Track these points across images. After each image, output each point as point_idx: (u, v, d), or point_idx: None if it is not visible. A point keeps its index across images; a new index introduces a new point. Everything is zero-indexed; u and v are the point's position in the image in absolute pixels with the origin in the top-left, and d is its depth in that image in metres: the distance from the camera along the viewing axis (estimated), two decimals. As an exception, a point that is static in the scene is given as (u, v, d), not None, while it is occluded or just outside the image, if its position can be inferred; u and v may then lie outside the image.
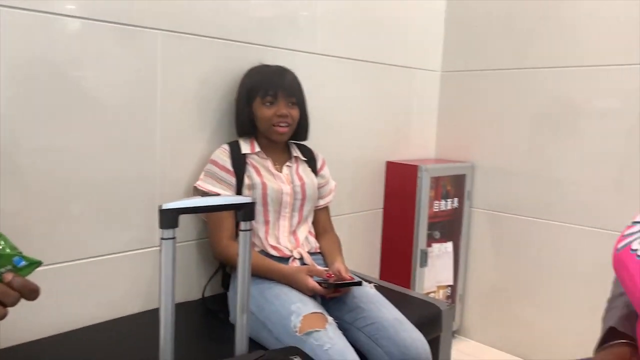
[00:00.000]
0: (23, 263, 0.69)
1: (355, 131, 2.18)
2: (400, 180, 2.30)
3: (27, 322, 1.28)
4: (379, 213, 2.36)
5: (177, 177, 1.59)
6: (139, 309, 1.54)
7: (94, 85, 1.39)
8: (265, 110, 1.55)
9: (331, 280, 1.39)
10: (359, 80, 2.15)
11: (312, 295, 1.40)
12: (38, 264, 0.71)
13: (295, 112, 1.56)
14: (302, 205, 1.61)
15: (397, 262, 2.31)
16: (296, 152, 1.67)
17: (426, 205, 2.24)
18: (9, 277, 0.68)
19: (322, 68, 1.98)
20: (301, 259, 1.55)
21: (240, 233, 1.10)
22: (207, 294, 1.65)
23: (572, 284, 2.15)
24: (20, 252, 0.70)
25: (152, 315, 1.39)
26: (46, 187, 1.33)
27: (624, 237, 0.80)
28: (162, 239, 0.99)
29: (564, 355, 2.16)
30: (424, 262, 2.27)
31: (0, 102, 1.24)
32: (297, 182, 1.60)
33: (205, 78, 1.63)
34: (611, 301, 0.95)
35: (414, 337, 1.36)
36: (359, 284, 1.40)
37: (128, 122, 1.47)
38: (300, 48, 1.88)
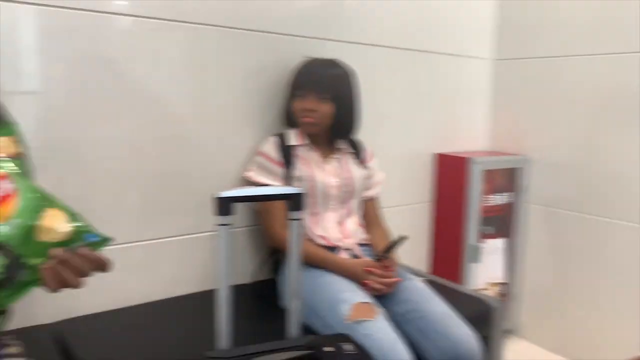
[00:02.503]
0: (96, 238, 0.74)
1: (403, 122, 2.15)
2: (450, 173, 2.25)
3: (91, 296, 1.34)
4: (428, 206, 2.32)
5: (226, 168, 1.64)
6: (193, 289, 1.60)
7: (148, 80, 1.45)
8: (296, 103, 1.57)
9: (379, 256, 1.45)
10: (408, 70, 2.12)
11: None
12: (109, 240, 0.76)
13: (325, 108, 1.54)
14: (349, 198, 1.61)
15: (447, 257, 2.26)
16: (343, 145, 1.67)
17: (477, 200, 2.19)
18: (84, 251, 0.73)
19: (370, 59, 1.96)
20: (350, 250, 1.55)
21: (292, 222, 1.13)
22: (258, 279, 1.69)
23: (633, 287, 2.03)
24: (93, 229, 0.75)
25: (204, 296, 1.46)
26: (105, 175, 1.41)
27: None
28: (219, 225, 1.03)
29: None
30: (475, 258, 2.21)
31: (63, 95, 1.32)
32: (344, 175, 1.60)
33: (255, 71, 1.66)
34: None
35: (463, 332, 1.34)
36: (404, 238, 1.43)
37: (181, 115, 1.53)
38: (347, 39, 1.87)
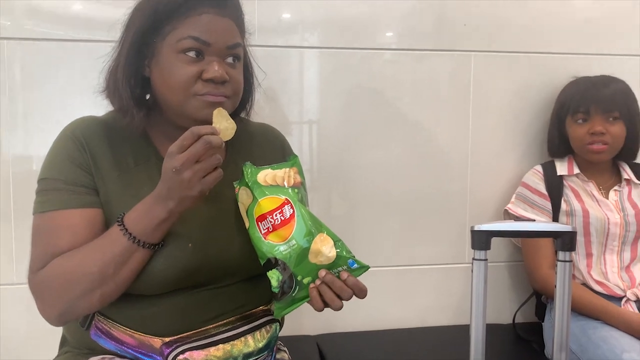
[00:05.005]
0: (355, 265, 0.81)
1: None
2: None
3: (349, 314, 1.42)
4: None
5: (485, 197, 1.58)
6: (448, 322, 1.58)
7: (410, 107, 1.51)
8: (577, 128, 1.38)
9: None
10: None
11: None
12: (367, 268, 0.82)
13: (616, 129, 1.34)
14: (637, 239, 1.35)
15: None
16: (628, 174, 1.42)
17: None
18: (344, 275, 0.80)
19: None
20: (638, 301, 1.30)
21: (559, 264, 1.01)
22: (517, 320, 1.56)
23: None
24: (354, 256, 0.81)
25: (460, 330, 1.43)
26: (369, 199, 1.51)
27: None
28: (474, 259, 0.98)
29: None
30: None
31: (334, 125, 1.48)
32: (630, 211, 1.36)
33: (518, 95, 1.57)
34: None
35: None
36: None
37: (441, 140, 1.54)
38: (628, 52, 1.61)
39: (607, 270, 1.36)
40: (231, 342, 0.86)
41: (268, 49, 1.40)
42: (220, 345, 0.85)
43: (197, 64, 0.84)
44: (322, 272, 0.80)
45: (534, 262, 1.42)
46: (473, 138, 1.56)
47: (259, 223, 0.83)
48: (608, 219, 1.35)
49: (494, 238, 1.01)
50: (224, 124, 0.81)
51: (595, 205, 1.38)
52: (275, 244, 0.81)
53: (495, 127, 1.57)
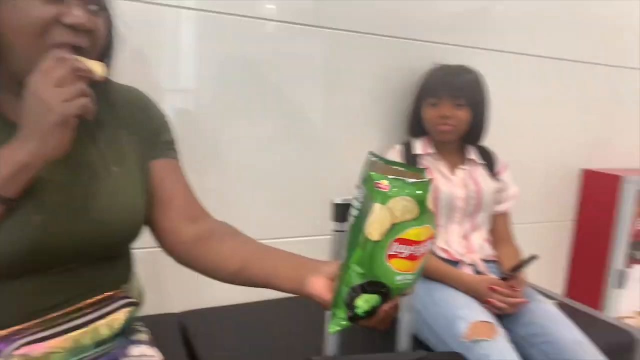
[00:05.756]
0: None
1: (545, 135, 2.01)
2: (597, 191, 2.06)
3: (210, 290, 1.45)
4: (569, 225, 2.14)
5: (351, 173, 1.66)
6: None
7: (284, 82, 1.53)
8: (430, 110, 1.54)
9: (506, 274, 1.40)
10: (552, 80, 1.98)
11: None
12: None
13: (462, 114, 1.51)
14: (475, 211, 1.56)
15: (587, 281, 2.07)
16: (472, 155, 1.62)
17: (628, 222, 1.97)
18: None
19: (510, 67, 1.88)
20: (474, 265, 1.50)
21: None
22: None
23: None
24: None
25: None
26: (239, 172, 1.52)
27: None
28: (335, 231, 1.06)
29: None
30: (620, 284, 1.99)
31: (206, 95, 1.45)
32: (472, 187, 1.55)
33: (383, 77, 1.67)
34: None
35: (597, 363, 1.22)
36: (534, 257, 1.38)
37: (309, 117, 1.59)
38: (487, 46, 1.82)
39: (449, 238, 1.53)
40: (81, 330, 0.78)
41: (137, 4, 1.29)
42: (69, 335, 0.77)
43: (55, 4, 0.69)
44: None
45: None
46: (341, 116, 1.64)
47: (395, 244, 0.65)
48: (454, 194, 1.53)
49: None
50: (92, 64, 0.70)
51: (445, 182, 1.55)
52: (395, 271, 0.67)
53: (362, 106, 1.66)
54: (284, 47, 1.52)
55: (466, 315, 1.28)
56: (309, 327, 1.33)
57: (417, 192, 0.64)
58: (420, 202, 0.65)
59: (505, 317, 1.36)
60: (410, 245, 0.65)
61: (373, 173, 0.66)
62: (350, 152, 1.67)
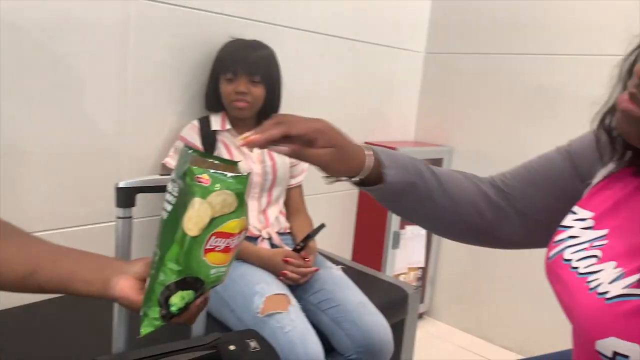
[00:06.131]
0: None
1: (333, 111, 2.14)
2: (377, 162, 2.28)
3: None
4: (355, 194, 2.35)
5: (145, 152, 1.56)
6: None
7: (66, 54, 1.35)
8: (226, 85, 1.52)
9: (298, 245, 1.46)
10: (339, 59, 2.12)
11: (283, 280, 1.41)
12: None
13: (257, 90, 1.51)
14: (272, 186, 1.59)
15: (370, 244, 2.31)
16: (269, 131, 1.64)
17: (402, 188, 2.24)
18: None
19: (302, 44, 1.94)
20: (270, 239, 1.54)
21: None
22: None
23: (542, 270, 2.17)
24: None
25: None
26: (10, 158, 1.30)
27: (554, 243, 0.71)
28: (118, 217, 0.97)
29: (532, 339, 2.20)
30: (396, 244, 2.28)
31: None
32: (268, 162, 1.58)
33: (180, 49, 1.59)
34: None
35: (376, 320, 1.37)
36: (322, 226, 1.47)
37: (97, 93, 1.43)
38: (281, 23, 1.84)
39: (248, 214, 1.55)
40: None
41: None
42: None
43: None
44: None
45: None
46: (132, 91, 1.50)
47: (212, 237, 0.65)
48: (252, 170, 1.54)
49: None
50: None
51: (242, 158, 1.54)
52: (210, 265, 0.66)
53: (155, 80, 1.55)
54: (70, 13, 1.31)
55: (262, 290, 1.31)
56: (95, 325, 1.23)
57: (238, 186, 0.65)
58: (240, 195, 0.66)
59: (298, 287, 1.44)
60: (227, 238, 0.66)
61: (194, 167, 0.64)
62: (147, 130, 1.56)
